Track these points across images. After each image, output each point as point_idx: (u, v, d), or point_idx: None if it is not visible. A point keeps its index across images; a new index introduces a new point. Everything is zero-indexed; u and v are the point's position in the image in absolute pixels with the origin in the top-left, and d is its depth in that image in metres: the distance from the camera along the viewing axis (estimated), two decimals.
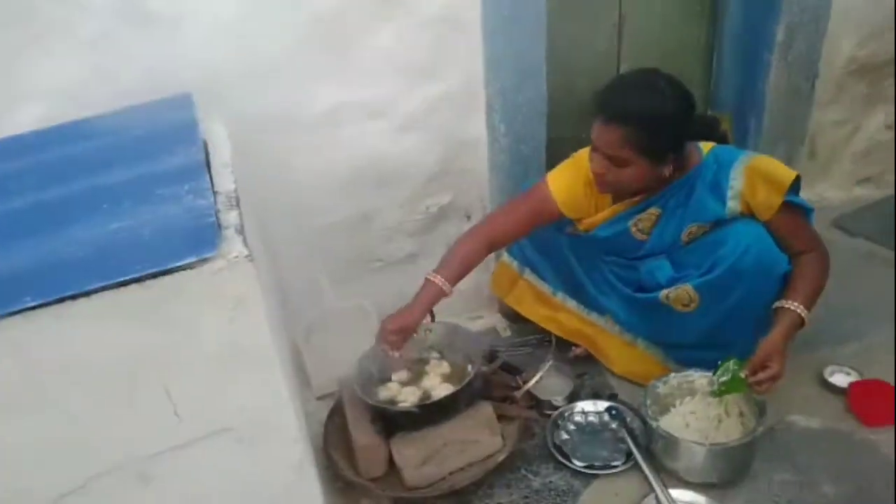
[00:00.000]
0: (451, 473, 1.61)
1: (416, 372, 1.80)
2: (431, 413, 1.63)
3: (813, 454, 1.65)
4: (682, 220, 1.73)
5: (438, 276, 1.70)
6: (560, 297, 2.02)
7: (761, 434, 1.57)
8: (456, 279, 1.73)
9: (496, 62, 1.98)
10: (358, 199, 2.04)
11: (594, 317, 1.97)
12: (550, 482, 1.66)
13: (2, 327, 0.90)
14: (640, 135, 1.58)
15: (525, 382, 1.79)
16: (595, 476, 1.65)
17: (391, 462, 1.63)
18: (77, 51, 1.62)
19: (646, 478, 1.60)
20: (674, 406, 1.70)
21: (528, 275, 2.06)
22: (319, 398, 1.98)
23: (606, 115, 1.60)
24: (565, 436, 1.77)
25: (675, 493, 1.55)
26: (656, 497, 1.55)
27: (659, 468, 1.62)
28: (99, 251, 1.01)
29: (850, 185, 2.74)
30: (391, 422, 1.67)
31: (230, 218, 1.11)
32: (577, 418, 1.81)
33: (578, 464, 1.67)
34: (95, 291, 0.93)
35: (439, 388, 1.71)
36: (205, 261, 0.97)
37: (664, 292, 1.74)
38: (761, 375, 1.56)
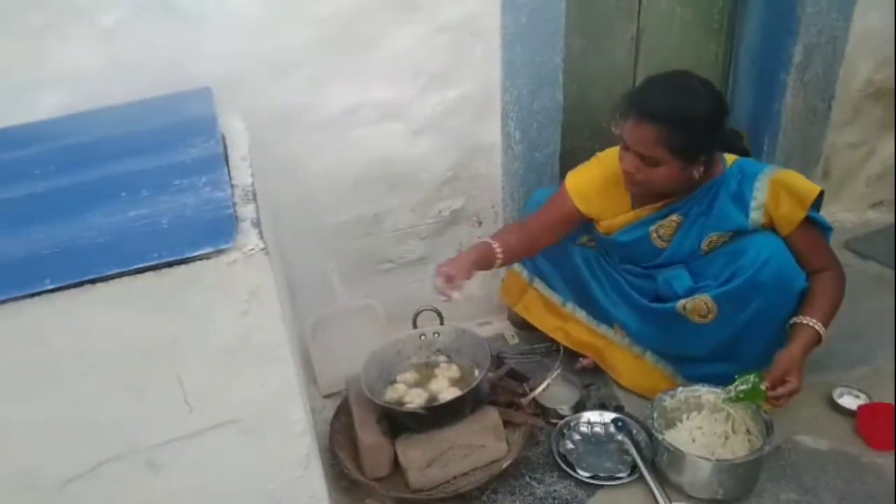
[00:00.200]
0: (455, 477, 1.61)
1: (425, 374, 1.80)
2: (438, 415, 1.63)
3: (819, 475, 1.64)
4: (703, 228, 1.72)
5: (492, 240, 1.74)
6: (569, 307, 2.02)
7: (768, 452, 1.56)
8: (506, 253, 1.76)
9: (513, 70, 1.99)
10: (370, 200, 2.05)
11: (603, 328, 1.97)
12: (554, 491, 1.65)
13: (21, 308, 0.91)
14: (674, 134, 1.57)
15: (532, 390, 1.79)
16: (599, 487, 1.64)
17: (396, 463, 1.63)
18: (98, 40, 1.63)
19: (650, 490, 1.59)
20: (680, 420, 1.69)
21: (538, 284, 2.06)
22: (326, 396, 1.98)
23: (640, 113, 1.59)
24: (570, 445, 1.76)
25: None
26: None
27: (663, 481, 1.61)
28: (117, 238, 1.01)
29: (863, 208, 2.73)
30: (397, 422, 1.67)
31: (247, 211, 1.12)
32: (583, 428, 1.81)
33: (583, 474, 1.66)
34: (113, 277, 0.93)
35: (446, 392, 1.71)
36: (221, 252, 0.98)
37: (681, 302, 1.73)
38: (781, 390, 1.55)
